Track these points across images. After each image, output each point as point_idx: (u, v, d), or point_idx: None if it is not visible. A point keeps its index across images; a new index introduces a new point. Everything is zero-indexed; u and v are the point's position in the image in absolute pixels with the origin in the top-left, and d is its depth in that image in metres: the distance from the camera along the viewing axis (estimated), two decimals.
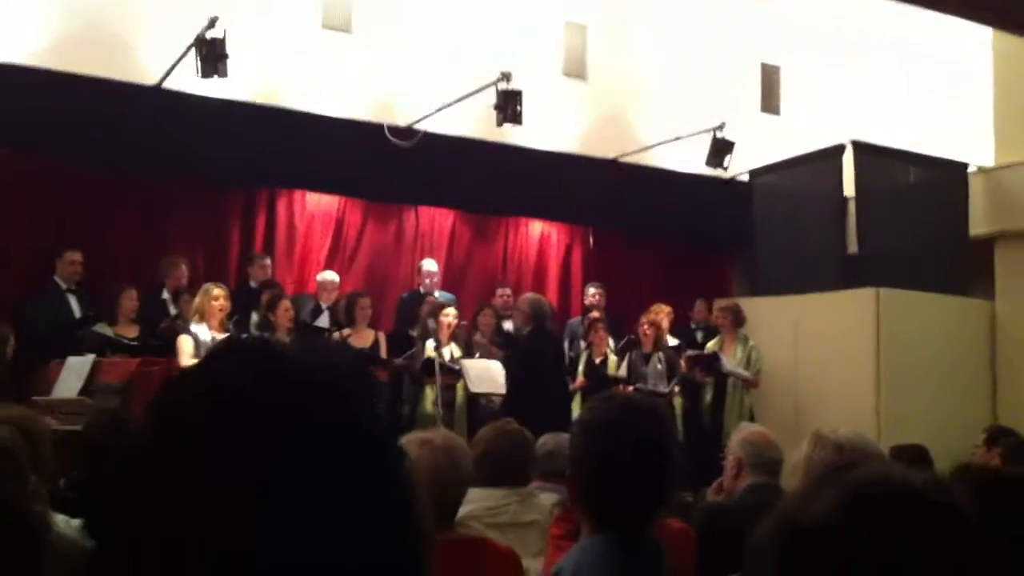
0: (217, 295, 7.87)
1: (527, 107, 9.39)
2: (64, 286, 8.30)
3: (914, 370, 9.52)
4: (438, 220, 10.89)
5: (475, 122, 10.11)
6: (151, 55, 9.04)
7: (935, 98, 11.92)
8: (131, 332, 8.15)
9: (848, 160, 10.59)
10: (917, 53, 12.07)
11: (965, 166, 11.00)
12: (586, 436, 2.36)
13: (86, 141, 8.60)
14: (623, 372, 9.31)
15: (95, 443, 4.39)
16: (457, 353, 8.85)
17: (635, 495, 2.25)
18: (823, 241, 10.74)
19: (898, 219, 10.50)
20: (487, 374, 8.60)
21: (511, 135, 10.15)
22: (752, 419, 8.51)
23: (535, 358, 8.73)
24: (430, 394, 8.62)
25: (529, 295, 9.65)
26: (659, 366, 9.31)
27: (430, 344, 8.71)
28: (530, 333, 8.88)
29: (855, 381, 9.53)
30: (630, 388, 8.80)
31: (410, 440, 2.87)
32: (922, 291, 9.89)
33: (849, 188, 10.70)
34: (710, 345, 9.74)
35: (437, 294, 9.71)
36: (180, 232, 9.49)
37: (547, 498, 3.81)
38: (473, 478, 3.23)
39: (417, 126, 9.97)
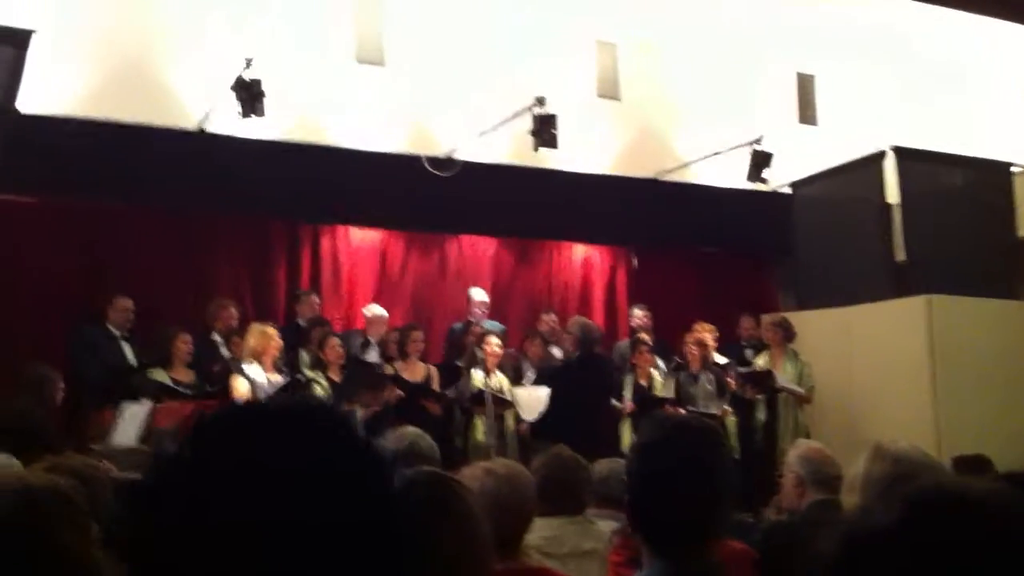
0: (273, 334, 7.95)
1: (563, 130, 9.39)
2: (117, 333, 8.29)
3: (970, 377, 9.32)
4: (481, 248, 10.89)
5: (512, 148, 10.15)
6: (190, 99, 9.18)
7: (971, 101, 11.79)
8: (186, 377, 8.05)
9: (890, 166, 10.48)
10: (951, 56, 11.95)
11: (1009, 166, 10.85)
12: (640, 460, 2.34)
13: (130, 187, 8.74)
14: (670, 392, 9.21)
15: None
16: (504, 381, 8.83)
17: (692, 517, 2.23)
18: (870, 250, 10.59)
19: (945, 224, 10.36)
20: (537, 402, 8.58)
21: (548, 159, 10.15)
22: (808, 436, 8.37)
23: (583, 383, 8.68)
24: (480, 424, 8.62)
25: (578, 318, 9.61)
26: (708, 387, 9.20)
27: (478, 374, 8.71)
28: (579, 358, 8.84)
29: (911, 392, 9.35)
30: (681, 411, 8.70)
31: (473, 470, 2.88)
32: (973, 296, 9.74)
33: (892, 195, 10.59)
34: (758, 361, 9.64)
35: (486, 323, 9.69)
36: (226, 273, 9.55)
37: (606, 526, 3.77)
38: (536, 507, 3.21)
39: (455, 155, 10.02)
